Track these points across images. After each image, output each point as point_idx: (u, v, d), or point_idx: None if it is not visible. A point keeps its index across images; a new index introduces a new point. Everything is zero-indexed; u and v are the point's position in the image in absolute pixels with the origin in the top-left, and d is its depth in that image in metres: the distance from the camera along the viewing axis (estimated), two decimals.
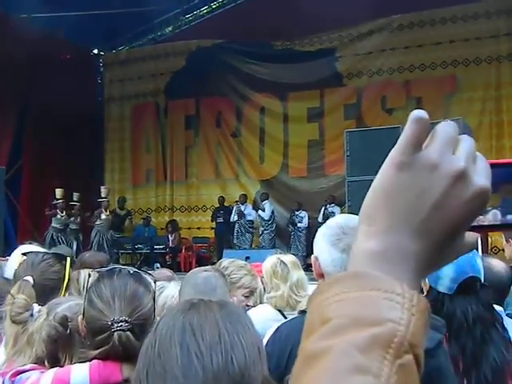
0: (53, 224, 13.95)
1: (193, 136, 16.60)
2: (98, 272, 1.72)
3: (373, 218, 0.57)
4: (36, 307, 1.98)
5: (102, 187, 14.72)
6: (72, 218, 14.21)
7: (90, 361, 1.61)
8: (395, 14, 14.14)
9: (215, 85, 15.87)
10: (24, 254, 2.43)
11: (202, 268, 2.51)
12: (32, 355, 1.75)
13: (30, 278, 2.15)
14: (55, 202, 13.93)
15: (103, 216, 14.09)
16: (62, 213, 14.01)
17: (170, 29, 17.08)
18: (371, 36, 14.60)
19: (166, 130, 16.80)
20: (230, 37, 15.40)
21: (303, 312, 1.99)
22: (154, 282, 1.73)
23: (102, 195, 14.32)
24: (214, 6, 16.39)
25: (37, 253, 2.43)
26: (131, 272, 1.71)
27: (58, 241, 13.56)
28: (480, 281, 2.27)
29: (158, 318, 1.69)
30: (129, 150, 17.15)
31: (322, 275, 2.05)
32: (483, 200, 0.57)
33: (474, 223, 0.59)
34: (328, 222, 2.17)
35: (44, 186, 15.16)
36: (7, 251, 6.90)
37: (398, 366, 0.48)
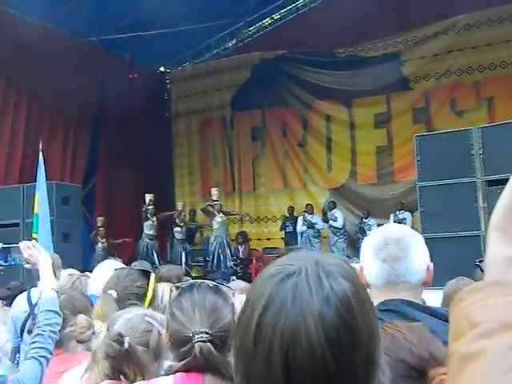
0: (146, 231, 14.00)
1: (260, 147, 16.70)
2: (178, 287, 1.76)
3: (505, 226, 0.62)
4: (97, 324, 2.03)
5: (213, 189, 14.29)
6: (178, 228, 14.37)
7: (174, 373, 1.64)
8: (460, 14, 13.80)
9: (280, 95, 15.96)
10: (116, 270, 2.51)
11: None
12: (100, 372, 1.79)
13: (113, 292, 2.22)
14: (145, 207, 14.00)
15: (218, 219, 13.77)
16: (153, 218, 14.04)
17: (233, 42, 17.30)
18: (436, 38, 14.28)
19: (232, 141, 16.97)
20: (293, 47, 15.44)
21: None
22: (233, 295, 1.75)
23: (214, 198, 13.93)
24: (275, 18, 16.49)
25: (124, 268, 2.50)
26: (210, 285, 1.74)
27: (151, 252, 13.76)
28: None
29: None
30: (197, 164, 17.41)
31: (368, 285, 2.03)
32: None
33: None
34: (374, 231, 2.15)
35: (116, 203, 15.61)
36: (85, 268, 7.12)
37: None
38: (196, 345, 1.62)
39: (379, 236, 2.04)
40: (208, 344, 1.62)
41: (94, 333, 2.01)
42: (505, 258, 0.60)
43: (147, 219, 14.02)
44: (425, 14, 13.62)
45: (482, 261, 2.76)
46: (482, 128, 7.99)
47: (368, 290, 2.05)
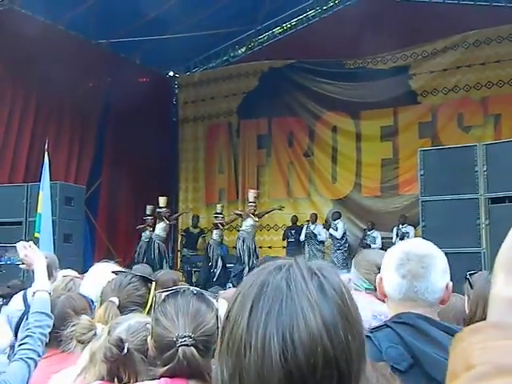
0: (157, 232, 14.29)
1: (265, 155, 16.70)
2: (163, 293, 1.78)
3: (510, 266, 0.60)
4: (99, 327, 2.04)
5: (250, 190, 14.30)
6: (217, 230, 14.48)
7: (158, 378, 1.65)
8: (470, 30, 13.80)
9: (287, 104, 15.97)
10: (115, 273, 2.50)
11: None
12: (96, 373, 1.81)
13: (115, 300, 2.22)
14: (159, 209, 14.32)
15: (250, 221, 13.67)
16: (167, 221, 14.41)
17: (242, 50, 17.35)
18: (446, 53, 14.27)
19: (238, 149, 16.98)
20: (302, 56, 15.47)
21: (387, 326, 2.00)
22: (217, 300, 1.77)
23: (250, 200, 13.89)
24: (285, 27, 16.54)
25: (126, 274, 2.49)
26: (194, 292, 1.77)
27: (162, 253, 14.14)
28: None
29: None
30: (202, 170, 17.42)
31: (385, 295, 2.08)
32: None
33: None
34: (398, 244, 2.18)
35: (120, 206, 15.64)
36: (85, 269, 7.08)
37: None
38: (179, 349, 1.63)
39: (402, 250, 2.06)
40: (191, 348, 1.63)
41: (95, 334, 2.03)
42: (507, 299, 0.58)
43: (161, 220, 14.33)
44: (434, 29, 13.63)
45: (472, 274, 2.76)
46: (487, 145, 7.96)
47: (385, 300, 2.11)
